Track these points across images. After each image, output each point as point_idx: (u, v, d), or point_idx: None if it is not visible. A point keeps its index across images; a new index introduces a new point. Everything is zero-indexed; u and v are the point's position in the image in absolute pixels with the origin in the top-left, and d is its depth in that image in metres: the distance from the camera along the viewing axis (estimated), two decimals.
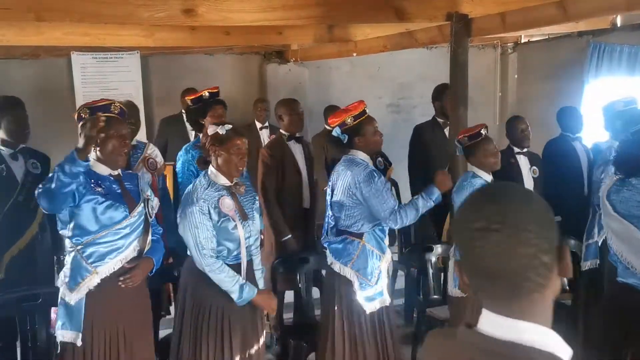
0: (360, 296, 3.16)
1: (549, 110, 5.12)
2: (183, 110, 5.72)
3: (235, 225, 2.80)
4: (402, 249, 4.87)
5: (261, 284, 3.08)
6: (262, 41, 5.46)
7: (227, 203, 2.80)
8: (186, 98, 4.22)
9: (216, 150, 2.82)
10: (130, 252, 2.69)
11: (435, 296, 4.02)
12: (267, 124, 6.03)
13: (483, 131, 3.40)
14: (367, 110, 3.23)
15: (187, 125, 5.62)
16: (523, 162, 4.37)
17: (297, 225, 4.20)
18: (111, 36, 4.75)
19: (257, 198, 3.07)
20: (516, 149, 4.37)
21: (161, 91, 6.40)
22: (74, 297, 2.61)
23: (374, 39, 5.35)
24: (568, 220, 3.87)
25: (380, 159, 4.37)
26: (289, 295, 4.15)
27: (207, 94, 4.05)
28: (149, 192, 2.81)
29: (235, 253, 2.86)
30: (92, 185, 2.59)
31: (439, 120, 4.84)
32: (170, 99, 6.06)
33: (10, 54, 5.80)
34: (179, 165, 3.86)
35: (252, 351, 2.95)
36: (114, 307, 2.67)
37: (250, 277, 2.94)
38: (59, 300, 2.69)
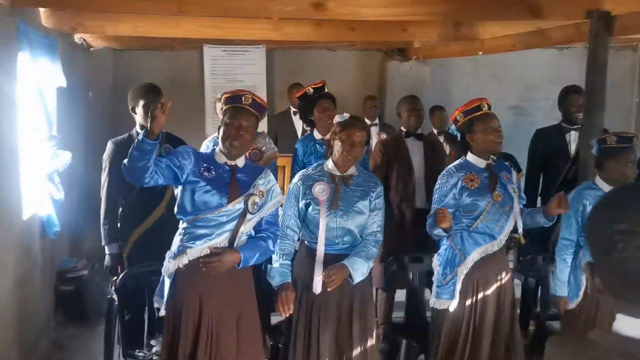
0: (434, 289, 3.17)
1: None
2: (290, 106, 5.86)
3: (319, 211, 2.83)
4: (519, 257, 4.65)
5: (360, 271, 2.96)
6: (386, 37, 5.43)
7: (320, 188, 2.86)
8: (295, 96, 4.29)
9: (334, 137, 2.91)
10: (221, 241, 2.68)
11: (554, 309, 3.81)
12: (376, 121, 6.01)
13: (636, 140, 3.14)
14: (486, 108, 3.08)
15: (294, 120, 5.81)
16: None
17: (406, 226, 4.14)
18: (242, 30, 4.92)
19: (375, 195, 2.97)
20: None
21: (284, 85, 6.55)
22: (168, 270, 2.73)
23: (502, 37, 5.14)
24: None
25: (507, 163, 4.20)
26: (400, 294, 4.13)
27: (311, 90, 4.10)
28: (264, 189, 2.75)
29: (315, 238, 2.89)
30: (200, 169, 2.68)
31: (564, 124, 4.51)
32: None
33: (148, 45, 6.20)
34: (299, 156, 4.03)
35: (356, 349, 2.92)
36: (200, 290, 2.69)
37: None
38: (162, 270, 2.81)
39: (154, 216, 3.60)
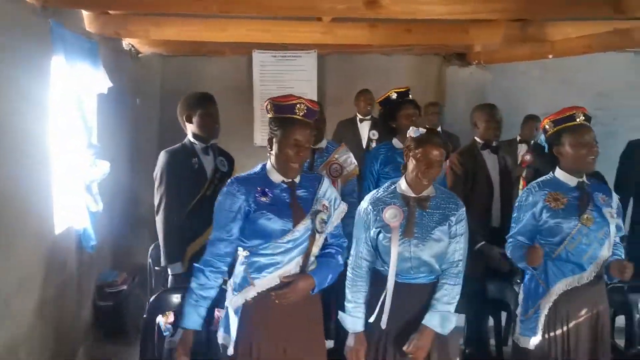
0: (518, 324, 2.83)
1: None
2: (357, 113, 5.58)
3: (390, 239, 2.49)
4: None
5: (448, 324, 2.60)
6: (446, 40, 5.04)
7: (391, 213, 2.52)
8: (377, 101, 4.00)
9: (407, 154, 2.56)
10: (292, 267, 2.41)
11: None
12: (439, 129, 5.63)
13: None
14: (581, 119, 2.69)
15: (360, 128, 5.52)
16: None
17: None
18: (291, 33, 4.66)
19: (455, 219, 2.57)
20: None
21: (336, 91, 6.29)
22: (234, 304, 2.46)
23: (576, 38, 4.66)
24: None
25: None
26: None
27: (394, 94, 3.80)
28: (327, 202, 2.48)
29: (387, 265, 2.54)
30: (256, 195, 2.40)
31: None
32: (344, 99, 5.91)
33: (197, 51, 6.04)
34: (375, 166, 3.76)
35: None
36: (272, 323, 2.44)
37: (414, 303, 2.55)
38: (226, 302, 2.56)
39: (210, 231, 3.38)
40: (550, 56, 5.08)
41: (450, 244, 2.54)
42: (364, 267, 2.60)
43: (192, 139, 3.44)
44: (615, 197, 2.80)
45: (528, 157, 4.77)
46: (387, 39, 4.91)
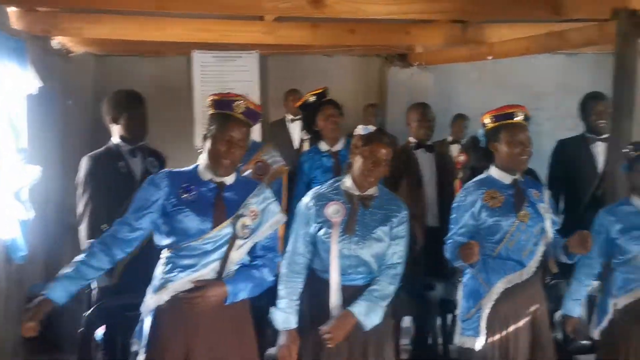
0: (458, 325, 2.83)
1: None
2: (287, 114, 5.54)
3: (330, 235, 2.46)
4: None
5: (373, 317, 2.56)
6: (389, 41, 5.06)
7: (334, 209, 2.50)
8: (295, 106, 3.96)
9: (355, 151, 2.54)
10: (207, 273, 2.28)
11: (583, 342, 3.41)
12: None
13: None
14: (520, 118, 2.72)
15: (290, 129, 5.48)
16: None
17: (417, 247, 3.74)
18: (233, 33, 4.57)
19: (397, 221, 2.55)
20: None
21: (278, 92, 6.19)
22: (147, 307, 2.33)
23: (515, 40, 4.76)
24: None
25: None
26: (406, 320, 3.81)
27: (311, 97, 3.77)
28: (258, 209, 2.34)
29: (326, 267, 2.51)
30: (179, 190, 2.29)
31: (588, 135, 4.15)
32: None
33: (133, 50, 5.82)
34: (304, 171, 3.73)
35: None
36: (186, 332, 2.28)
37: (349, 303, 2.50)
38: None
39: (144, 241, 3.21)
40: (490, 57, 5.17)
41: (390, 245, 2.53)
42: (300, 263, 2.55)
43: (117, 141, 3.28)
44: (547, 193, 2.85)
45: (462, 158, 4.84)
46: (330, 40, 4.89)
